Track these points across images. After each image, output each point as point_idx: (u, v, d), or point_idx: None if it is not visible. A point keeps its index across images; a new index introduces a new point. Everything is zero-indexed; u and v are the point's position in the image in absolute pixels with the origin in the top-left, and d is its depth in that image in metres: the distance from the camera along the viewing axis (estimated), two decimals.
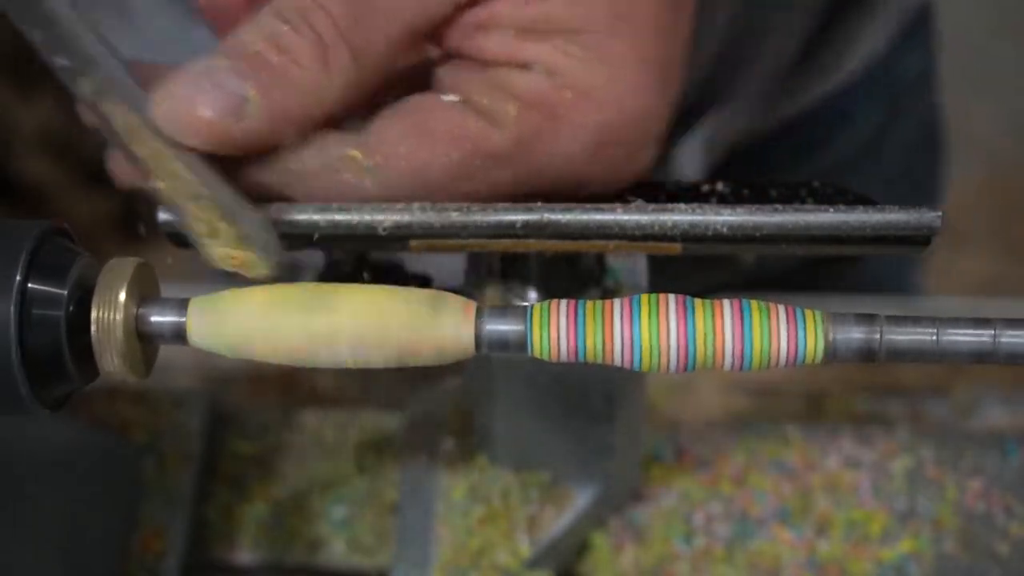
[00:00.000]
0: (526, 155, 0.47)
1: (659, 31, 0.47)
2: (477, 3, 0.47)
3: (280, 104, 0.45)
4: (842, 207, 0.46)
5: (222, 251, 0.44)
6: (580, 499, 0.63)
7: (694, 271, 0.67)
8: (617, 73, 0.47)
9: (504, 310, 0.42)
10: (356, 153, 0.46)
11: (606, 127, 0.47)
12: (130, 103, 0.46)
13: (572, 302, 0.42)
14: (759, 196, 0.50)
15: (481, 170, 0.47)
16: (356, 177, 0.46)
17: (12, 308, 0.40)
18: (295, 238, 0.47)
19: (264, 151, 0.46)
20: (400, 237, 0.46)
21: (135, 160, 0.45)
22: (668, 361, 0.41)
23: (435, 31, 0.48)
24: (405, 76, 0.49)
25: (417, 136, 0.46)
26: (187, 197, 0.44)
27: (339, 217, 0.46)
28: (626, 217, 0.46)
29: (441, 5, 0.46)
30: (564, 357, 0.42)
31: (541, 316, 0.41)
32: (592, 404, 0.59)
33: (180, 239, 0.48)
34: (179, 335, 0.42)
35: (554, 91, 0.46)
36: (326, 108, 0.46)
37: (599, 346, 0.41)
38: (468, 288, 0.54)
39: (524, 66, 0.47)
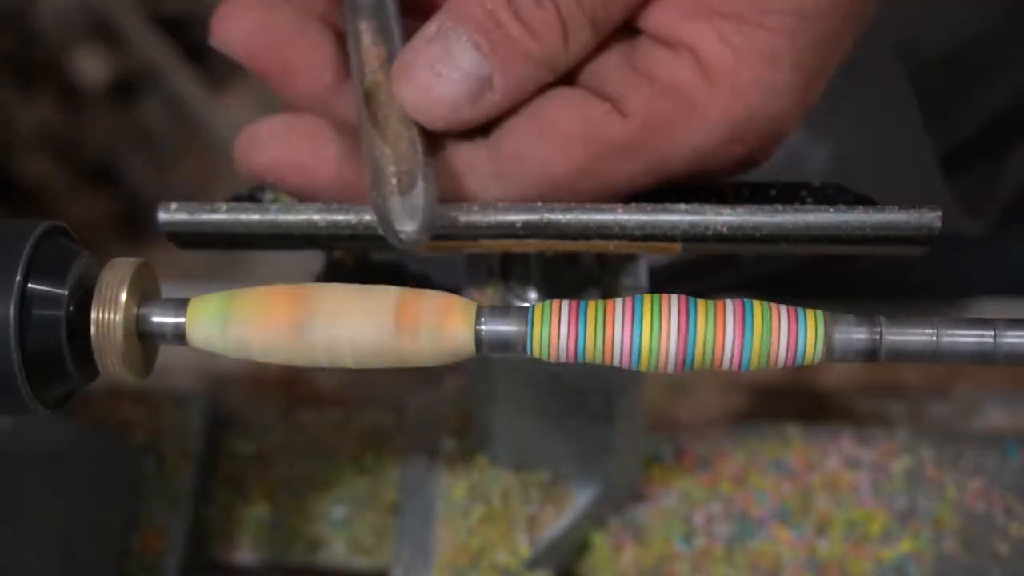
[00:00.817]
0: (651, 145, 0.46)
1: (823, 41, 0.45)
2: None
3: (518, 84, 0.45)
4: (842, 207, 0.45)
5: (406, 206, 0.43)
6: (580, 499, 0.63)
7: (695, 271, 0.67)
8: (769, 72, 0.45)
9: (504, 310, 0.42)
10: (482, 159, 0.46)
11: (743, 124, 0.46)
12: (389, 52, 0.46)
13: (572, 302, 0.42)
14: (759, 196, 0.50)
15: (605, 164, 0.46)
16: (481, 184, 0.46)
17: (12, 308, 0.40)
18: (296, 239, 0.47)
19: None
20: None
21: (366, 112, 0.45)
22: (668, 361, 0.41)
23: None
24: None
25: (540, 136, 0.46)
26: (402, 162, 0.44)
27: (339, 217, 0.46)
28: (626, 217, 0.46)
29: None
30: (564, 357, 0.42)
31: (541, 316, 0.41)
32: (592, 404, 0.59)
33: (181, 239, 0.48)
34: (179, 335, 0.42)
35: (697, 79, 0.45)
36: (556, 77, 0.46)
37: (599, 346, 0.41)
38: (468, 288, 0.54)
39: (673, 45, 0.45)
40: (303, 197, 0.48)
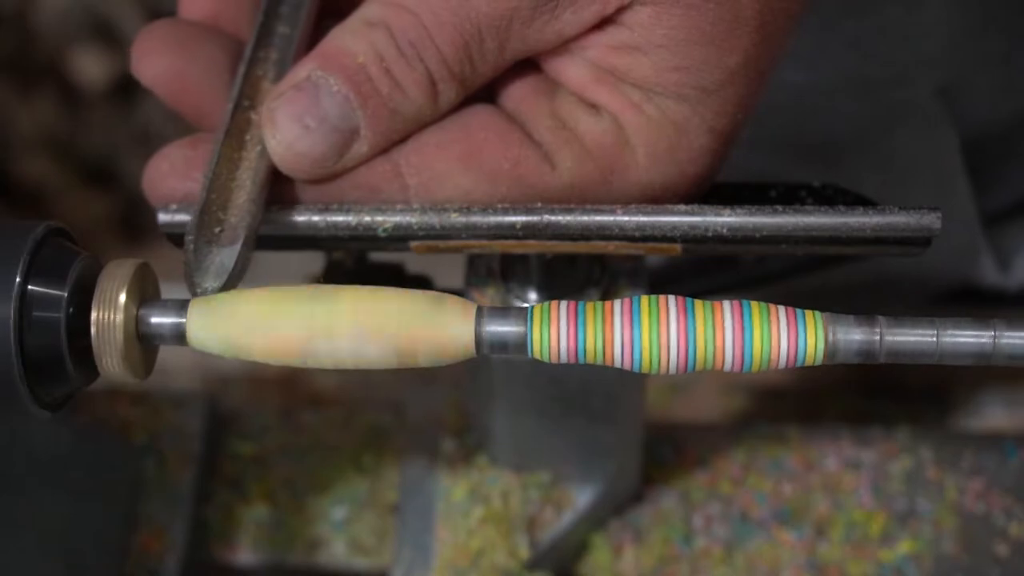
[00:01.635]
0: (573, 199, 0.46)
1: (734, 103, 0.46)
2: (578, 36, 0.45)
3: (386, 137, 0.45)
4: (842, 208, 0.45)
5: (210, 266, 0.43)
6: (580, 499, 0.63)
7: (695, 272, 0.67)
8: (684, 140, 0.46)
9: (504, 311, 0.42)
10: (400, 172, 0.46)
11: (660, 188, 0.47)
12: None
13: (572, 303, 0.42)
14: (759, 196, 0.50)
15: (526, 201, 0.46)
16: (400, 195, 0.46)
17: (12, 309, 0.40)
18: (297, 240, 0.47)
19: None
20: (400, 238, 0.46)
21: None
22: (668, 362, 0.41)
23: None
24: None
25: (466, 163, 0.46)
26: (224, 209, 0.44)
27: (339, 218, 0.46)
28: (626, 218, 0.46)
29: (548, 43, 0.45)
30: (564, 358, 0.42)
31: (541, 317, 0.41)
32: (592, 404, 0.59)
33: (181, 239, 0.48)
34: (179, 336, 0.42)
35: (617, 146, 0.46)
36: (421, 128, 0.46)
37: (599, 347, 0.41)
38: (468, 289, 0.54)
39: (594, 107, 0.46)
40: None
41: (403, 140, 0.46)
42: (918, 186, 0.72)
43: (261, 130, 0.45)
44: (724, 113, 0.46)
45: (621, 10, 0.44)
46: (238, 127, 0.46)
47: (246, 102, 0.47)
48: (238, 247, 0.43)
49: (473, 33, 0.44)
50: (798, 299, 0.45)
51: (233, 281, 0.43)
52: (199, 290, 0.43)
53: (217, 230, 0.44)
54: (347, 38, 0.45)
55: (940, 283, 0.79)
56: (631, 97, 0.46)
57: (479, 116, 0.46)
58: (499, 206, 0.46)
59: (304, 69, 0.45)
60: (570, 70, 0.46)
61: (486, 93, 0.47)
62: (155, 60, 0.47)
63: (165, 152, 0.47)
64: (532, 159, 0.46)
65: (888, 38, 0.66)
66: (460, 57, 0.45)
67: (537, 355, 0.42)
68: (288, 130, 0.44)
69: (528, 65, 0.47)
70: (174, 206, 0.47)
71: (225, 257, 0.43)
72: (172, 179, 0.46)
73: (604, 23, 0.45)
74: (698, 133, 0.46)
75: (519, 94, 0.47)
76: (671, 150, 0.46)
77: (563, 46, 0.46)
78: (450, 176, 0.46)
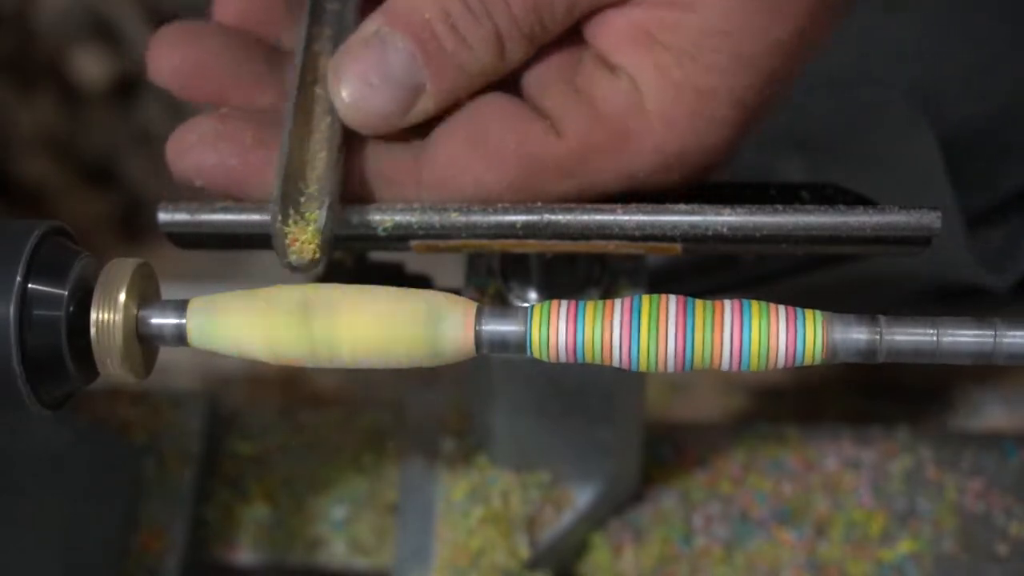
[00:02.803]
0: (584, 169, 0.46)
1: (765, 79, 0.45)
2: None
3: (451, 95, 0.45)
4: (842, 207, 0.45)
5: (304, 238, 0.43)
6: (580, 499, 0.63)
7: (695, 271, 0.67)
8: (705, 108, 0.45)
9: (504, 310, 0.42)
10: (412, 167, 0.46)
11: (675, 156, 0.46)
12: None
13: (572, 303, 0.42)
14: (759, 196, 0.50)
15: (537, 183, 0.46)
16: (411, 193, 0.46)
17: (12, 309, 0.40)
18: None
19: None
20: (400, 237, 0.46)
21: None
22: (666, 361, 0.41)
23: None
24: None
25: (474, 149, 0.46)
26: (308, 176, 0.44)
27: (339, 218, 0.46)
28: (626, 217, 0.46)
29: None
30: (564, 358, 0.42)
31: (541, 317, 0.41)
32: (592, 404, 0.59)
33: (181, 239, 0.48)
34: (179, 337, 0.42)
35: (631, 109, 0.45)
36: (484, 86, 0.46)
37: (598, 347, 0.41)
38: (468, 288, 0.54)
39: (614, 70, 0.46)
40: (232, 198, 0.48)
41: (422, 131, 0.46)
42: (898, 186, 0.72)
43: (329, 87, 0.45)
44: (754, 87, 0.45)
45: None
46: (305, 102, 0.46)
47: (308, 77, 0.47)
48: (324, 213, 0.43)
49: None
50: (796, 298, 0.44)
51: (325, 247, 0.43)
52: (293, 261, 0.43)
53: (301, 199, 0.44)
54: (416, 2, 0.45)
55: (919, 283, 0.79)
56: (659, 59, 0.45)
57: (485, 101, 0.46)
58: (499, 206, 0.46)
59: (371, 25, 0.45)
60: (609, 28, 0.46)
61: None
62: (169, 56, 0.47)
63: (191, 124, 0.47)
64: (537, 132, 0.45)
65: (864, 36, 0.65)
66: (530, 17, 0.45)
67: (537, 354, 0.42)
68: (354, 87, 0.45)
69: (552, 42, 0.47)
70: (174, 206, 0.47)
71: (309, 231, 0.43)
72: (200, 150, 0.46)
73: None
74: (722, 103, 0.45)
75: (538, 68, 0.47)
76: (690, 117, 0.45)
77: (620, 2, 0.45)
78: (458, 165, 0.46)
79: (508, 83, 0.47)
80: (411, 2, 0.45)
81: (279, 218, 0.43)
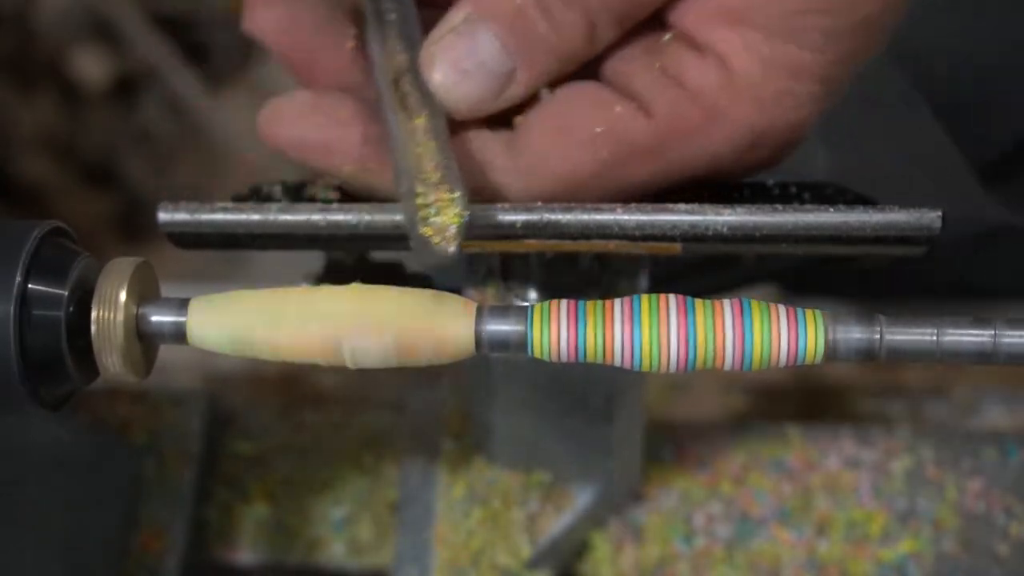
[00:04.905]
0: (673, 148, 0.46)
1: (849, 54, 0.45)
2: None
3: (541, 79, 0.46)
4: (842, 207, 0.45)
5: (439, 221, 0.43)
6: (580, 499, 0.63)
7: (695, 271, 0.67)
8: (793, 84, 0.45)
9: (504, 310, 0.42)
10: (502, 156, 0.46)
11: (763, 133, 0.46)
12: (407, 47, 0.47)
13: (572, 302, 0.42)
14: (760, 196, 0.50)
15: (628, 165, 0.46)
16: (503, 179, 0.46)
17: (12, 308, 0.40)
18: (297, 239, 0.47)
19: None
20: (401, 237, 0.46)
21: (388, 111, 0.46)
22: (668, 361, 0.41)
23: None
24: None
25: (565, 135, 0.46)
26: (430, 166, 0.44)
27: (339, 217, 0.46)
28: (626, 217, 0.46)
29: None
30: (564, 357, 0.41)
31: (541, 316, 0.41)
32: (592, 404, 0.59)
33: (181, 239, 0.48)
34: (179, 335, 0.42)
35: (722, 87, 0.45)
36: (574, 70, 0.46)
37: (599, 346, 0.41)
38: (468, 288, 0.54)
39: (701, 49, 0.45)
40: (322, 174, 0.49)
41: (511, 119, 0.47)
42: (907, 166, 0.72)
43: (423, 74, 0.46)
44: (839, 62, 0.45)
45: None
46: (398, 98, 0.46)
47: (392, 75, 0.47)
48: (457, 197, 0.43)
49: None
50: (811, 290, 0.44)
51: (463, 233, 0.43)
52: (435, 252, 0.43)
53: (425, 190, 0.44)
54: None
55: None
56: (748, 38, 0.45)
57: (571, 89, 0.47)
58: (499, 205, 0.46)
59: (460, 12, 0.45)
60: (693, 7, 0.46)
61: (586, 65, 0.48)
62: (267, 10, 0.48)
63: (286, 96, 0.47)
64: (625, 114, 0.46)
65: None
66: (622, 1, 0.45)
67: (537, 354, 0.42)
68: (446, 75, 0.45)
69: (636, 25, 0.47)
70: (174, 205, 0.47)
71: (447, 213, 0.43)
72: (296, 121, 0.47)
73: None
74: (810, 80, 0.45)
75: (621, 52, 0.47)
76: (777, 95, 0.45)
77: None
78: (549, 152, 0.46)
79: (590, 68, 0.48)
80: None
81: (411, 217, 0.43)
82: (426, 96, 0.46)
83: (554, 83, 0.47)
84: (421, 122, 0.46)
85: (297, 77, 0.49)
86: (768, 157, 0.47)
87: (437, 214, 0.43)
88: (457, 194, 0.43)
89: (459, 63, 0.45)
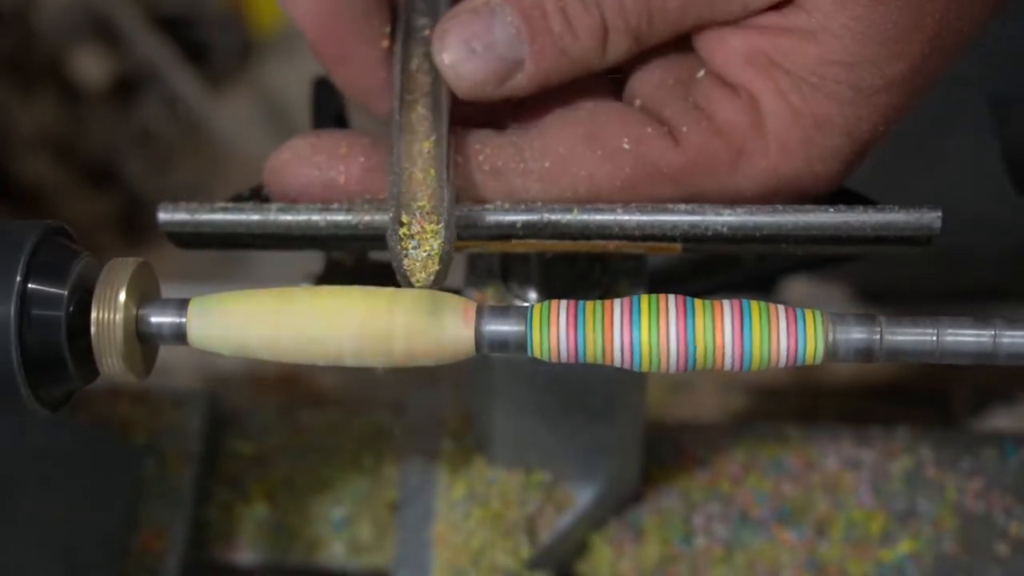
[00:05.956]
0: (695, 179, 0.46)
1: (879, 113, 0.45)
2: (756, 12, 0.45)
3: (548, 75, 0.46)
4: (842, 207, 0.45)
5: (419, 255, 0.43)
6: (580, 499, 0.63)
7: (695, 271, 0.67)
8: (819, 135, 0.45)
9: (504, 310, 0.42)
10: (523, 157, 0.46)
11: (786, 180, 0.46)
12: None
13: (572, 302, 0.42)
14: None
15: (648, 186, 0.46)
16: (520, 183, 0.46)
17: (12, 309, 0.40)
18: (297, 239, 0.47)
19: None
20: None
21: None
22: (668, 361, 0.41)
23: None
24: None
25: (588, 145, 0.46)
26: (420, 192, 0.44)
27: (339, 217, 0.46)
28: (626, 217, 0.46)
29: (731, 14, 0.45)
30: (564, 358, 0.41)
31: (541, 316, 0.41)
32: (592, 404, 0.59)
33: (181, 239, 0.48)
34: (179, 336, 0.42)
35: (752, 127, 0.45)
36: (582, 77, 0.46)
37: (599, 346, 0.41)
38: (468, 288, 0.54)
39: (734, 88, 0.46)
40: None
41: (527, 125, 0.47)
42: (963, 185, 0.71)
43: (432, 49, 0.46)
44: (867, 119, 0.45)
45: None
46: (408, 121, 0.47)
47: (408, 96, 0.47)
48: (441, 230, 0.43)
49: None
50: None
51: (445, 266, 0.43)
52: (415, 282, 0.43)
53: (415, 218, 0.44)
54: None
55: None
56: (779, 83, 0.45)
57: (601, 104, 0.47)
58: (499, 205, 0.46)
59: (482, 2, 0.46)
60: (725, 47, 0.46)
61: (617, 83, 0.48)
62: None
63: (286, 144, 0.48)
64: (654, 136, 0.46)
65: None
66: (640, 10, 0.45)
67: (537, 354, 0.42)
68: (455, 51, 0.46)
69: (667, 56, 0.48)
70: (174, 206, 0.47)
71: (429, 245, 0.43)
72: (296, 165, 0.47)
73: (785, 1, 0.45)
74: (836, 133, 0.46)
75: (653, 81, 0.48)
76: (804, 144, 0.46)
77: (733, 21, 0.46)
78: (573, 158, 0.46)
79: (622, 90, 0.48)
80: None
81: (395, 244, 0.43)
82: (437, 116, 0.46)
83: (560, 88, 0.47)
84: (427, 147, 0.46)
85: (326, 68, 0.50)
86: (788, 200, 0.47)
87: (418, 247, 0.43)
88: (441, 226, 0.43)
89: (470, 41, 0.45)
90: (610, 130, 0.46)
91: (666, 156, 0.46)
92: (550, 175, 0.46)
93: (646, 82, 0.48)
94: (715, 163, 0.46)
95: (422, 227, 0.43)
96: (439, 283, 0.43)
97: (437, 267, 0.43)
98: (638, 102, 0.48)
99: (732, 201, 0.47)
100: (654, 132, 0.46)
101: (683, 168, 0.46)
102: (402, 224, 0.43)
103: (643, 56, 0.48)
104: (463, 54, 0.45)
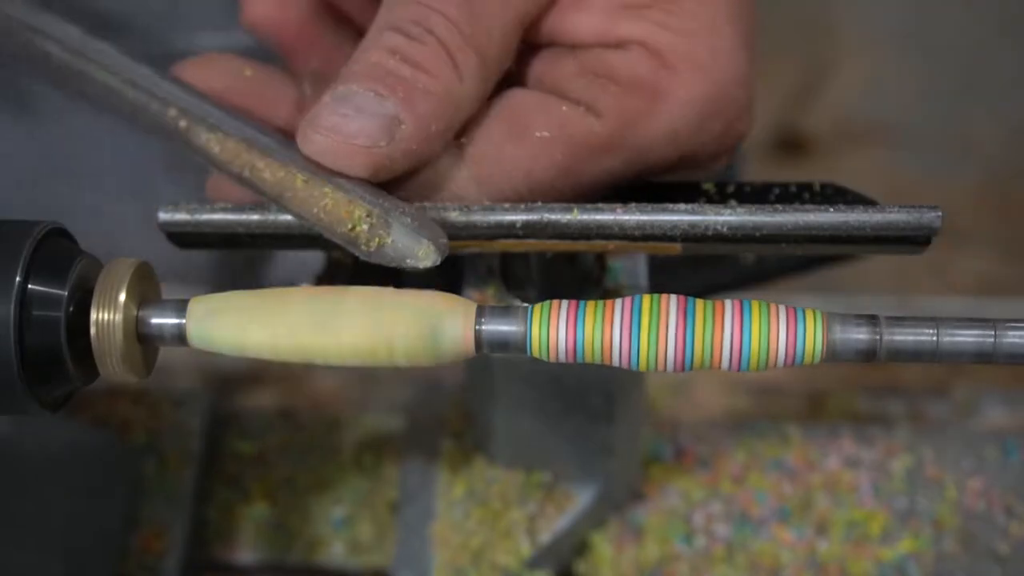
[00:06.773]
0: (629, 140, 0.46)
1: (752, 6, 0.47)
2: None
3: (426, 117, 0.44)
4: (842, 207, 0.45)
5: (373, 242, 0.44)
6: (580, 499, 0.63)
7: (695, 271, 0.67)
8: (715, 41, 0.46)
9: (504, 310, 0.42)
10: (461, 164, 0.46)
11: (709, 99, 0.47)
12: (226, 131, 0.47)
13: (572, 302, 0.42)
14: (760, 195, 0.49)
15: (585, 163, 0.46)
16: (460, 188, 0.46)
17: (12, 309, 0.40)
18: (296, 239, 0.47)
19: (415, 168, 0.46)
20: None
21: (247, 183, 0.46)
22: (667, 361, 0.41)
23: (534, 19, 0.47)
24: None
25: (518, 140, 0.46)
26: (340, 207, 0.44)
27: None
28: (626, 217, 0.46)
29: None
30: (564, 357, 0.41)
31: (541, 316, 0.41)
32: (592, 404, 0.59)
33: (181, 239, 0.48)
34: (179, 336, 0.42)
35: (656, 69, 0.46)
36: (464, 114, 0.46)
37: (598, 346, 0.41)
38: (468, 288, 0.54)
39: (620, 45, 0.46)
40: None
41: (458, 130, 0.47)
42: None
43: (301, 140, 0.44)
44: (737, 4, 0.47)
45: None
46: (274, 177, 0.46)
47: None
48: (408, 222, 0.43)
49: None
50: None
51: (441, 248, 0.43)
52: (420, 264, 0.43)
53: (365, 227, 0.44)
54: (357, 55, 0.45)
55: None
56: (654, 18, 0.46)
57: (515, 96, 0.47)
58: (499, 205, 0.46)
59: (328, 93, 0.44)
60: (586, 23, 0.47)
61: (512, 84, 0.48)
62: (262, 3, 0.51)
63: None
64: (575, 116, 0.46)
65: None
66: (467, 17, 0.45)
67: (537, 354, 0.42)
68: (331, 121, 0.44)
69: (541, 48, 0.48)
70: (174, 206, 0.47)
71: (398, 239, 0.43)
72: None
73: None
74: (723, 32, 0.46)
75: (541, 70, 0.48)
76: (712, 54, 0.46)
77: (572, 4, 0.46)
78: (504, 156, 0.46)
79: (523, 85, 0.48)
80: (356, 57, 0.45)
81: (357, 238, 0.44)
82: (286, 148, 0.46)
83: (458, 125, 0.46)
84: (303, 177, 0.45)
85: (292, 61, 0.51)
86: (726, 126, 0.48)
87: (371, 227, 0.43)
88: (370, 209, 0.43)
89: (339, 112, 0.44)
90: (532, 121, 0.46)
91: (593, 132, 0.46)
92: (488, 179, 0.46)
93: (535, 72, 0.48)
94: (641, 116, 0.46)
95: (361, 217, 0.44)
96: (442, 253, 0.43)
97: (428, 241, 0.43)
98: (540, 88, 0.48)
99: (669, 148, 0.47)
100: (574, 112, 0.46)
101: (612, 135, 0.46)
102: (351, 229, 0.44)
103: (524, 61, 0.48)
104: (339, 121, 0.44)
